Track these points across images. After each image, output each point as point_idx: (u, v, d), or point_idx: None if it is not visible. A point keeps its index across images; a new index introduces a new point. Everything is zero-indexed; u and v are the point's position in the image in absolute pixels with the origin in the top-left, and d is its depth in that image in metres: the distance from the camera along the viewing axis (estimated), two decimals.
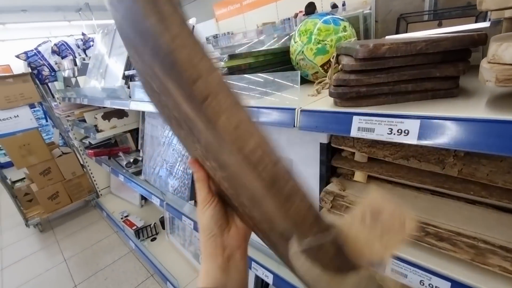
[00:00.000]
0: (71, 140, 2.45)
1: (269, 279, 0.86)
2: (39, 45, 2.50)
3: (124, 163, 1.82)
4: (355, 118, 0.46)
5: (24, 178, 2.61)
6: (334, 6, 3.03)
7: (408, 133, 0.41)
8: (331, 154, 0.68)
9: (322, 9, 3.76)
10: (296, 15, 3.63)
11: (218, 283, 0.34)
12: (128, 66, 1.23)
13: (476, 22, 0.69)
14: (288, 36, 1.12)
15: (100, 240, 2.18)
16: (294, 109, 0.56)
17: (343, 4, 3.08)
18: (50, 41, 2.57)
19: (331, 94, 0.51)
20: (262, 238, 0.35)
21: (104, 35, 1.62)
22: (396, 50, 0.41)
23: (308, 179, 0.72)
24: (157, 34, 0.17)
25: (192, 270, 1.56)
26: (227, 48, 1.67)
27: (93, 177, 2.56)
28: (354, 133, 0.46)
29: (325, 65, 0.71)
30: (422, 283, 0.48)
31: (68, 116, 2.19)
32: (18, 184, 2.53)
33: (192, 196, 1.23)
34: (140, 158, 1.82)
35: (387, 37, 0.64)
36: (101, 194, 2.63)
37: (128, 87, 1.18)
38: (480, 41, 0.40)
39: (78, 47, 2.60)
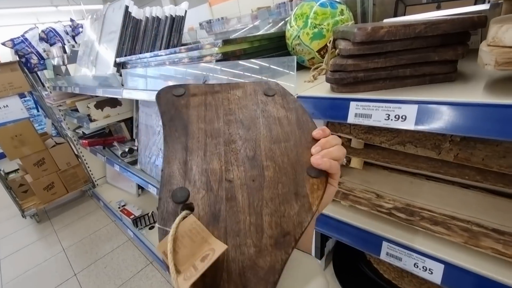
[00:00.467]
0: (64, 130, 2.41)
1: None
2: (26, 31, 2.40)
3: (119, 152, 1.80)
4: (352, 104, 0.46)
5: (17, 169, 2.58)
6: None
7: (405, 119, 0.40)
8: None
9: None
10: None
11: None
12: (119, 53, 1.19)
13: (475, 4, 0.67)
14: (283, 21, 1.09)
15: (98, 229, 2.19)
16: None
17: None
18: (38, 27, 2.47)
19: (328, 80, 0.50)
20: None
21: (93, 21, 1.56)
22: (395, 33, 0.40)
23: None
24: None
25: None
26: (221, 34, 1.63)
27: (88, 167, 2.54)
28: (351, 119, 0.46)
29: (322, 50, 0.70)
30: (416, 266, 0.49)
31: (60, 105, 2.14)
32: (12, 175, 2.51)
33: None
34: (135, 148, 1.81)
35: (385, 20, 0.62)
36: (97, 184, 2.62)
37: (120, 75, 1.15)
38: (480, 23, 0.39)
39: (67, 33, 2.51)
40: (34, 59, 2.35)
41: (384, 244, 0.53)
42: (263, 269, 0.26)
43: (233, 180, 0.32)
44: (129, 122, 2.05)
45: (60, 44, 2.32)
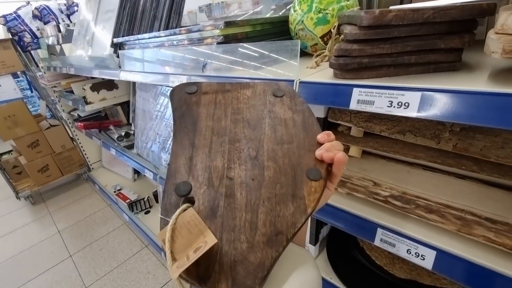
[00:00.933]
0: (59, 112, 2.37)
1: None
2: (19, 8, 2.32)
3: (115, 136, 1.78)
4: (355, 90, 0.45)
5: (11, 150, 2.54)
6: None
7: (408, 106, 0.40)
8: (327, 129, 0.67)
9: None
10: None
11: None
12: (116, 33, 1.16)
13: None
14: (287, 7, 1.07)
15: (93, 212, 2.20)
16: (292, 81, 0.54)
17: None
18: (31, 4, 2.39)
19: (331, 65, 0.49)
20: None
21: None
22: (403, 18, 0.39)
23: None
24: None
25: None
26: (222, 19, 1.59)
27: (83, 150, 2.52)
28: (353, 105, 0.46)
29: (325, 37, 0.69)
30: (409, 252, 0.50)
31: (55, 86, 2.10)
32: (5, 157, 2.47)
33: None
34: (132, 132, 1.79)
35: (391, 7, 0.61)
36: (92, 168, 2.61)
37: (117, 56, 1.13)
38: (489, 10, 0.39)
39: (62, 12, 2.43)
40: (28, 38, 2.28)
41: (379, 230, 0.54)
42: (253, 264, 0.27)
43: (234, 178, 0.33)
44: (126, 106, 2.02)
45: (54, 23, 2.25)
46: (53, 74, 2.08)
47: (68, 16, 2.45)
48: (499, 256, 0.43)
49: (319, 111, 0.65)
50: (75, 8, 2.46)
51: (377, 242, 0.54)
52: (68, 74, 1.84)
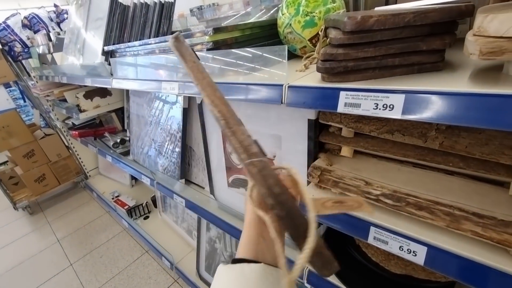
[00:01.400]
0: (53, 121, 2.36)
1: None
2: (8, 18, 2.30)
3: (111, 143, 1.78)
4: (342, 93, 0.46)
5: (6, 161, 2.53)
6: None
7: (393, 108, 0.41)
8: (319, 130, 0.68)
9: None
10: None
11: (259, 251, 0.33)
12: (107, 41, 1.16)
13: None
14: (276, 8, 1.07)
15: (92, 220, 2.19)
16: (281, 86, 0.55)
17: None
18: (20, 13, 2.37)
19: (318, 69, 0.50)
20: None
21: (78, 6, 1.51)
22: (384, 22, 0.40)
23: (297, 155, 0.73)
24: None
25: (185, 245, 1.61)
26: (213, 21, 1.59)
27: (79, 158, 2.51)
28: (341, 108, 0.47)
29: (314, 39, 0.69)
30: (401, 248, 0.52)
31: (48, 95, 2.09)
32: (1, 168, 2.46)
33: (182, 175, 1.24)
34: (127, 138, 1.79)
35: (376, 8, 0.62)
36: (89, 176, 2.60)
37: (109, 64, 1.13)
38: (467, 12, 0.40)
39: (51, 20, 2.41)
40: (18, 47, 2.26)
41: (372, 229, 0.55)
42: None
43: None
44: (120, 112, 2.02)
45: (44, 31, 2.23)
46: (46, 83, 2.07)
47: (58, 24, 2.44)
48: (487, 249, 0.44)
49: (310, 113, 0.66)
50: (65, 15, 2.45)
51: (370, 240, 0.55)
52: (60, 83, 1.84)
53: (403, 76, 0.47)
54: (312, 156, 0.70)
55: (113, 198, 2.11)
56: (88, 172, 2.58)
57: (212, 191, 1.09)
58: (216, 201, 1.08)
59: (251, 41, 0.78)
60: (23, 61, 2.35)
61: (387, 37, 0.43)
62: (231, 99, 0.66)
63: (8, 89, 2.62)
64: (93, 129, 2.02)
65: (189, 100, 1.15)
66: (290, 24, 0.70)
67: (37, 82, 2.12)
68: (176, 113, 1.21)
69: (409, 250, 0.50)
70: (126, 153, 1.68)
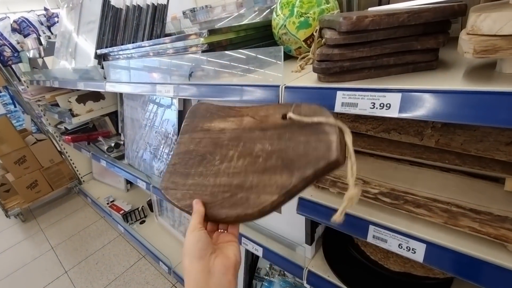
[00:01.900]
0: (45, 126, 2.32)
1: (259, 252, 0.90)
2: None
3: (105, 147, 1.76)
4: (338, 93, 0.47)
5: None
6: None
7: (390, 107, 0.42)
8: None
9: None
10: None
11: None
12: (99, 44, 1.14)
13: None
14: (269, 9, 1.08)
15: (87, 226, 2.16)
16: (278, 86, 0.55)
17: None
18: (9, 17, 2.33)
19: (314, 70, 0.50)
20: None
21: (69, 10, 1.49)
22: (379, 22, 0.40)
23: None
24: None
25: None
26: (206, 23, 1.58)
27: (73, 163, 2.47)
28: (338, 108, 0.47)
29: (308, 40, 0.70)
30: (400, 246, 0.52)
31: (39, 100, 2.05)
32: None
33: None
34: (122, 142, 1.77)
35: (369, 8, 0.63)
36: (83, 181, 2.56)
37: (102, 67, 1.11)
38: (460, 11, 0.41)
39: (42, 23, 2.38)
40: (7, 52, 2.22)
41: (371, 227, 0.55)
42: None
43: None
44: (114, 116, 2.00)
45: (34, 35, 2.20)
46: (37, 88, 2.04)
47: (49, 28, 2.40)
48: (485, 245, 0.45)
49: None
50: (56, 19, 2.42)
51: (369, 239, 0.56)
52: (52, 87, 1.81)
53: (398, 76, 0.47)
54: None
55: (108, 203, 2.09)
56: (82, 177, 2.55)
57: None
58: None
59: (246, 42, 0.78)
60: (13, 66, 2.31)
61: (382, 37, 0.43)
62: (227, 101, 0.66)
63: None
64: (86, 134, 1.99)
65: (184, 102, 1.14)
66: (285, 25, 0.70)
67: (27, 87, 2.08)
68: (171, 115, 1.20)
69: (408, 248, 0.51)
70: (121, 157, 1.66)
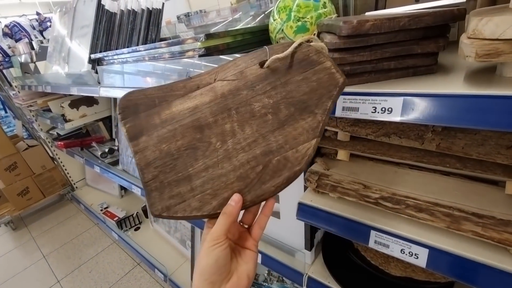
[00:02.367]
0: (36, 132, 2.27)
1: (258, 258, 0.88)
2: None
3: (98, 153, 1.73)
4: (339, 97, 0.46)
5: None
6: None
7: (391, 111, 0.41)
8: None
9: None
10: None
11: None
12: (93, 49, 1.13)
13: None
14: (264, 14, 1.08)
15: (80, 233, 2.11)
16: None
17: None
18: (0, 22, 2.29)
19: None
20: None
21: (62, 14, 1.47)
22: (380, 26, 0.40)
23: None
24: None
25: (179, 255, 1.56)
26: (201, 28, 1.58)
27: (65, 169, 2.42)
28: (339, 113, 0.46)
29: None
30: (402, 252, 0.51)
31: (31, 106, 2.01)
32: None
33: None
34: (116, 148, 1.74)
35: (367, 13, 0.63)
36: (76, 187, 2.51)
37: (96, 72, 1.09)
38: (460, 16, 0.41)
39: (34, 28, 2.34)
40: None
41: (372, 232, 0.54)
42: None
43: None
44: (108, 121, 1.97)
45: (26, 40, 2.16)
46: (28, 93, 2.00)
47: (41, 32, 2.37)
48: (488, 249, 0.44)
49: None
50: (48, 23, 2.39)
51: (371, 244, 0.55)
52: (44, 92, 1.77)
53: (399, 80, 0.47)
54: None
55: (101, 210, 2.04)
56: (74, 184, 2.50)
57: None
58: None
59: (243, 46, 0.78)
60: (4, 71, 2.26)
61: (382, 41, 0.43)
62: None
63: None
64: (79, 139, 1.95)
65: None
66: (282, 30, 0.69)
67: (19, 92, 2.04)
68: None
69: (410, 253, 0.50)
70: (115, 163, 1.63)
